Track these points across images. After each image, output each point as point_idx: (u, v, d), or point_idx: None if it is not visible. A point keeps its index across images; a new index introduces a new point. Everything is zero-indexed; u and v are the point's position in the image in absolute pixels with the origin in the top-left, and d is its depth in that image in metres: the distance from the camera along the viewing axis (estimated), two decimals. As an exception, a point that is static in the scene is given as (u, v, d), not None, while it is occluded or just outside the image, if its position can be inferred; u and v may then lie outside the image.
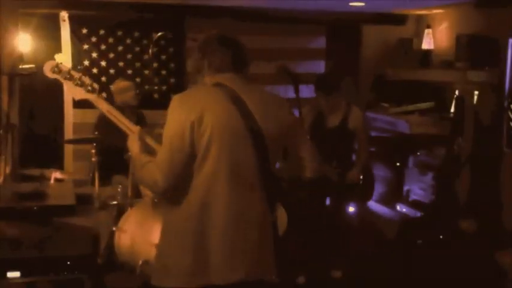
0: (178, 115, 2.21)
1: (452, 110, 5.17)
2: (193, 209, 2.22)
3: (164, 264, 2.29)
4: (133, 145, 2.36)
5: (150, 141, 2.38)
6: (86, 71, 5.38)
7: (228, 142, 2.22)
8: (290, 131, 2.41)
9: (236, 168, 2.23)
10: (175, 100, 2.26)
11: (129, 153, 2.42)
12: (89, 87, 2.35)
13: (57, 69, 2.34)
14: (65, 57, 5.23)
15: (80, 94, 2.35)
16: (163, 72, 5.72)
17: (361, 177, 4.38)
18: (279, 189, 2.38)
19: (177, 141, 2.19)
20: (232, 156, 2.22)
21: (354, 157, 4.47)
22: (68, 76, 2.34)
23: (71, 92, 2.37)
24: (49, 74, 2.34)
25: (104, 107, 2.36)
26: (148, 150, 2.34)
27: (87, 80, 2.36)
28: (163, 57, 5.70)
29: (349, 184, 4.30)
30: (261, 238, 2.28)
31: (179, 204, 2.24)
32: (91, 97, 2.36)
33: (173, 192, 2.24)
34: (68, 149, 5.37)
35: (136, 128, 2.38)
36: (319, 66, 6.04)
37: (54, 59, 2.47)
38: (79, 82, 2.35)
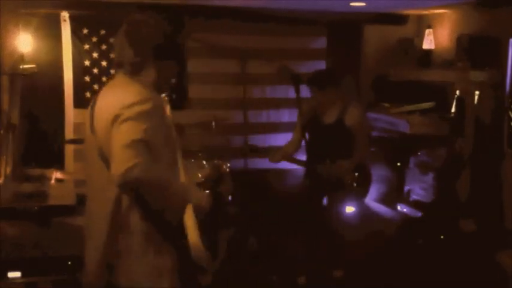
0: None
1: (453, 110, 5.16)
2: None
3: None
4: None
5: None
6: (87, 71, 5.38)
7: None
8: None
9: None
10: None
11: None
12: None
13: None
14: (65, 58, 5.24)
15: None
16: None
17: (356, 174, 4.32)
18: None
19: None
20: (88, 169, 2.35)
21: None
22: None
23: None
24: None
25: None
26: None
27: None
28: (164, 57, 5.68)
29: (344, 183, 4.26)
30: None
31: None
32: None
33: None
34: (69, 149, 5.36)
35: None
36: (320, 66, 6.01)
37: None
38: None
